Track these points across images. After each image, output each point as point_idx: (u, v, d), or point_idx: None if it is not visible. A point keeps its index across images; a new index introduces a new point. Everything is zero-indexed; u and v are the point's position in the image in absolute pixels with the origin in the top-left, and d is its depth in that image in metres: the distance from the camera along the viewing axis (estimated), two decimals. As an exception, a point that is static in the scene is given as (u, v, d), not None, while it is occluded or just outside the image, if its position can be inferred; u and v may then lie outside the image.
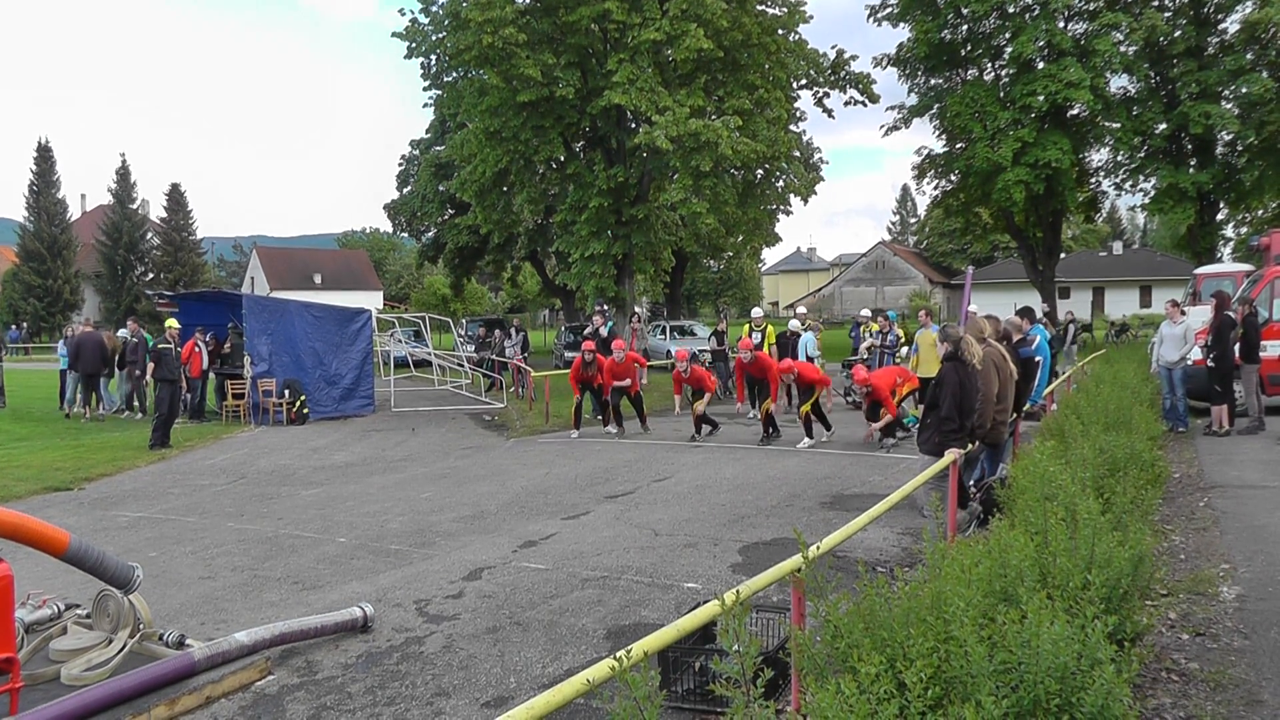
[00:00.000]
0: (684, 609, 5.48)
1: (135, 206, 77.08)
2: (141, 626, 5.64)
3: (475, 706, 4.89)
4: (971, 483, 7.81)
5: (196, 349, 18.66)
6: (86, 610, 5.96)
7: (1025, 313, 10.51)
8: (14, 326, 61.96)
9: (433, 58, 27.82)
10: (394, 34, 26.38)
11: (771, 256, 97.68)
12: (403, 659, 5.66)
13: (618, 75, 23.33)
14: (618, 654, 2.89)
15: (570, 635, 5.85)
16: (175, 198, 79.05)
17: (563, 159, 26.83)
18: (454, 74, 28.57)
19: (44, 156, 73.91)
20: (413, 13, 26.51)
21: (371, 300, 73.98)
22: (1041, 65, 28.38)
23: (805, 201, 29.22)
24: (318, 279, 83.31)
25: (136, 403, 20.76)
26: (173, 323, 17.25)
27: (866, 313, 21.57)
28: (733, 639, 3.16)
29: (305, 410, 18.64)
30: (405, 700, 5.05)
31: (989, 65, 31.25)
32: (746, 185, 27.58)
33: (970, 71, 31.57)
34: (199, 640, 5.64)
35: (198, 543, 8.90)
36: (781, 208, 30.26)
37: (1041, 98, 27.33)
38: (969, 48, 30.86)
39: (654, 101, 23.17)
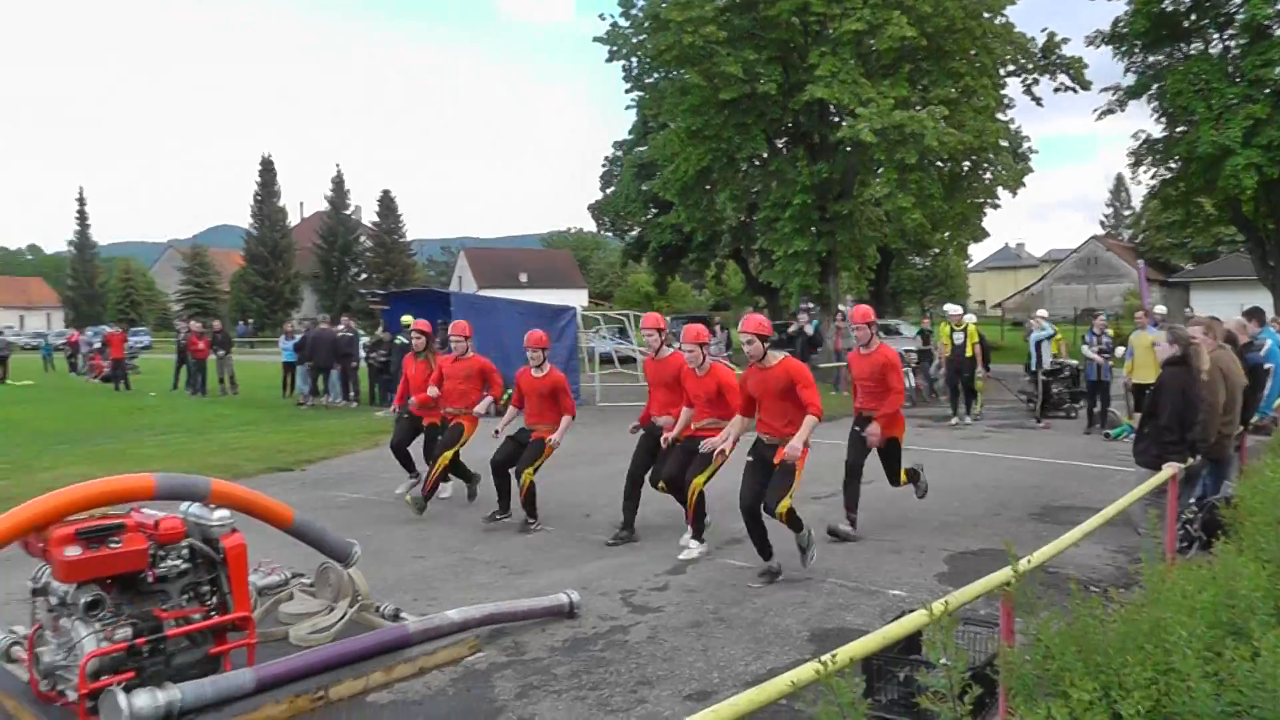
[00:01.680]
0: (889, 616, 5.43)
1: (349, 212, 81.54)
2: (360, 598, 6.08)
3: (678, 699, 4.99)
4: (1193, 500, 7.25)
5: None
6: (310, 580, 6.45)
7: (1254, 314, 9.75)
8: (241, 322, 66.43)
9: (634, 60, 28.10)
10: (595, 39, 26.79)
11: (978, 253, 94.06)
12: (607, 646, 5.83)
13: (819, 69, 23.07)
14: (822, 657, 2.89)
15: (773, 635, 5.90)
16: (386, 203, 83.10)
17: (765, 156, 26.74)
18: (655, 75, 28.80)
19: (267, 169, 79.34)
20: (612, 17, 26.85)
21: (576, 298, 75.47)
22: (1279, 32, 25.60)
23: (1014, 194, 27.99)
24: (523, 278, 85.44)
25: (353, 392, 22.03)
26: (408, 319, 18.33)
27: (1043, 312, 20.45)
28: (940, 651, 3.13)
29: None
30: (609, 686, 5.20)
31: (1216, 36, 28.13)
32: (953, 178, 26.78)
33: (1194, 44, 28.56)
34: (413, 615, 6.00)
35: (411, 524, 9.36)
36: (989, 201, 29.21)
37: (1279, 70, 24.75)
38: (1193, 18, 27.92)
39: (856, 94, 22.79)
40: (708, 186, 28.49)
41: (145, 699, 4.49)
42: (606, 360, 28.09)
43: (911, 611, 3.50)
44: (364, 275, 79.07)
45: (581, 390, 21.56)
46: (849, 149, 24.47)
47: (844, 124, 23.53)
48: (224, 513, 5.34)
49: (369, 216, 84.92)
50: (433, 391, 10.02)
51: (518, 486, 9.01)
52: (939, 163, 25.36)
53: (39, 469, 12.98)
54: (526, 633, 5.98)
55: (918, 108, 23.25)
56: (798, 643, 5.77)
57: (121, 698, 4.44)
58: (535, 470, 9.02)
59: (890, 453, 8.67)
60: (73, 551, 4.68)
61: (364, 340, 22.81)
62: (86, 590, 4.76)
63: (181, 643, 4.98)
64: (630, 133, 40.73)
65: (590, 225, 59.74)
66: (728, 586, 6.96)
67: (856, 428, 8.79)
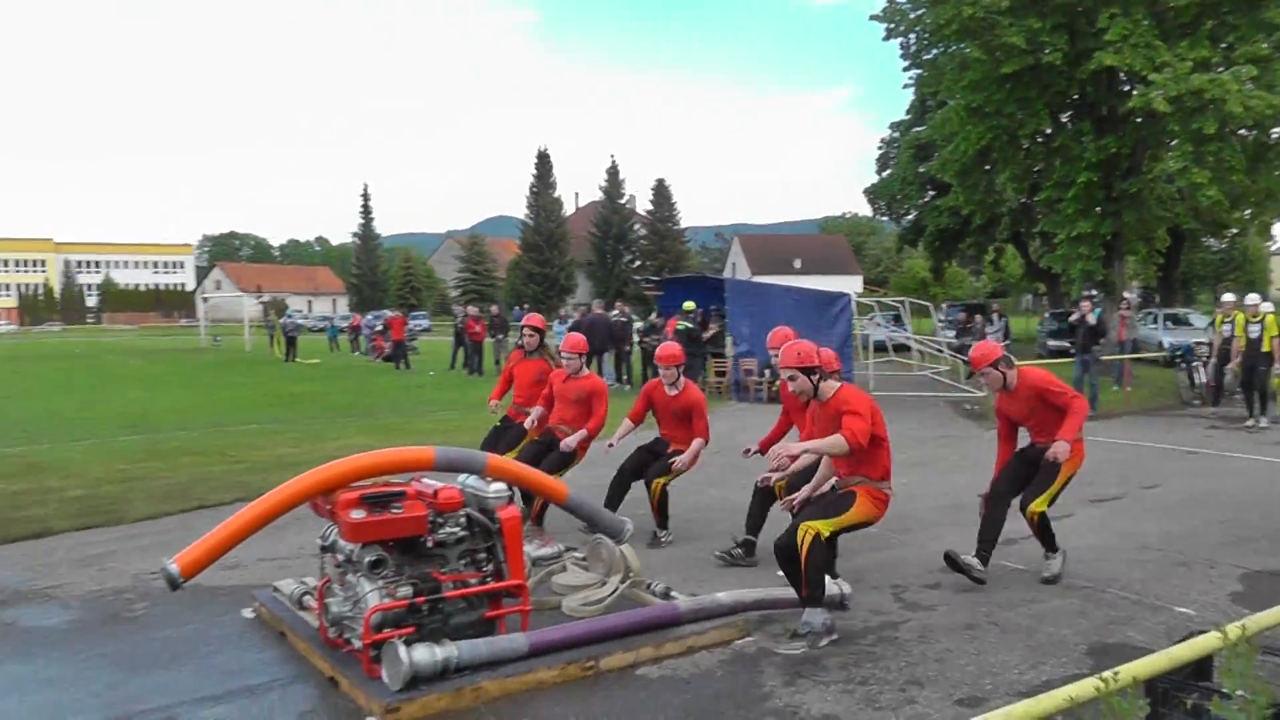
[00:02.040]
0: (1175, 636, 5.08)
1: (623, 201, 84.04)
2: (631, 574, 6.31)
3: (948, 702, 4.89)
4: None
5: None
6: (583, 554, 6.75)
7: None
8: (517, 308, 69.47)
9: (911, 36, 27.23)
10: (872, 17, 26.14)
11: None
12: (877, 641, 5.79)
13: (1109, 33, 21.48)
14: (1103, 674, 2.80)
15: (1049, 645, 5.66)
16: (660, 192, 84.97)
17: (1048, 132, 25.33)
18: (934, 51, 27.85)
19: (543, 162, 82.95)
20: (891, -7, 26.12)
21: (850, 285, 74.55)
22: None
23: (1332, 165, 25.15)
24: (797, 264, 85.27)
25: (625, 376, 22.76)
26: (690, 305, 18.86)
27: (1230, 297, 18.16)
28: (1238, 681, 2.93)
29: (784, 390, 19.36)
30: (878, 682, 5.16)
31: None
32: (1258, 148, 24.18)
33: None
34: (682, 594, 6.17)
35: (679, 504, 9.16)
36: (1300, 174, 26.46)
37: None
38: None
39: (1150, 58, 21.06)
40: (987, 167, 27.28)
41: (424, 653, 4.85)
42: (880, 348, 27.63)
43: (1202, 633, 3.28)
44: (637, 262, 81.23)
45: (855, 379, 21.34)
46: (1139, 120, 22.76)
47: (1134, 93, 21.81)
48: (500, 485, 5.68)
49: (643, 205, 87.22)
50: (530, 423, 8.66)
51: (648, 495, 8.32)
52: (1242, 131, 23.07)
53: (326, 439, 14.28)
54: (796, 620, 5.93)
55: (1220, 69, 21.29)
56: (1075, 655, 5.51)
57: (402, 650, 4.81)
58: (668, 481, 8.28)
59: (1049, 474, 6.84)
60: (358, 514, 5.13)
61: (637, 325, 23.47)
62: (370, 550, 5.22)
63: (459, 604, 5.36)
64: (907, 113, 39.73)
65: (866, 210, 58.59)
66: (1000, 590, 6.74)
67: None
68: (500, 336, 27.32)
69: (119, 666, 5.60)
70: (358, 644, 5.13)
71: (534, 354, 9.12)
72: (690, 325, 19.17)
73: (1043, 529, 6.85)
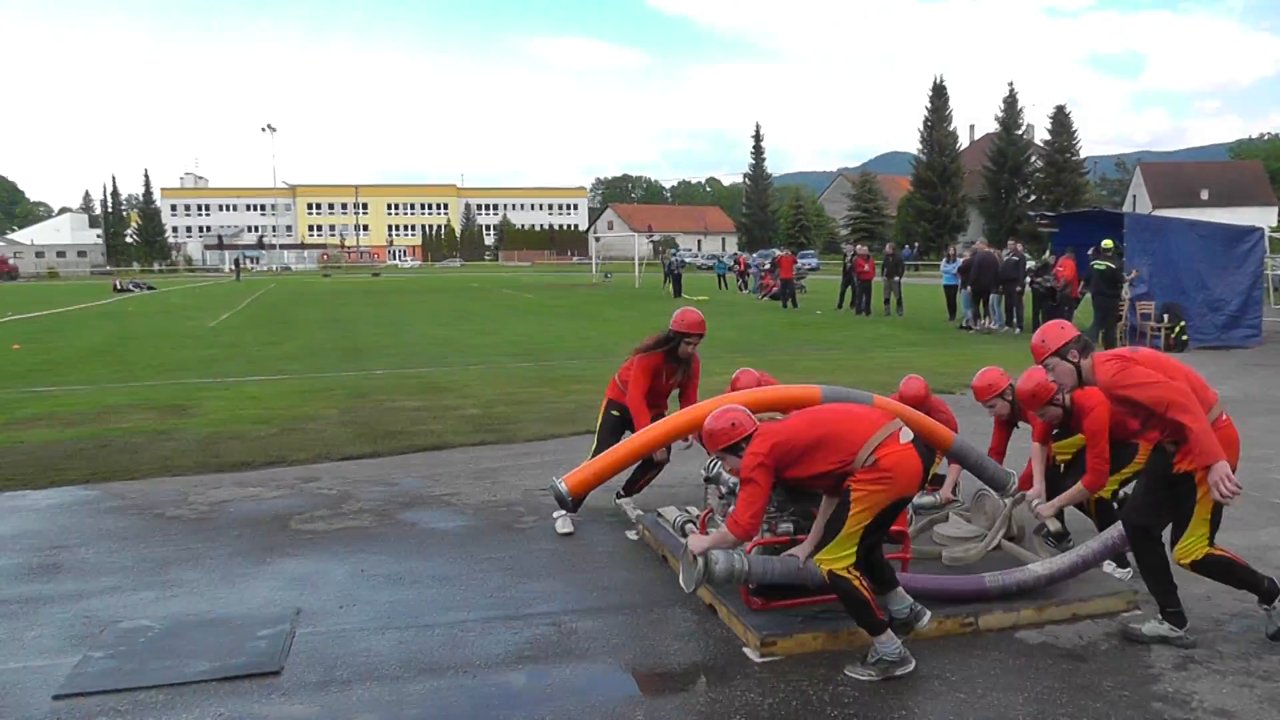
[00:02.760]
0: None
1: (1020, 132, 79.63)
2: (1014, 530, 6.06)
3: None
4: None
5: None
6: (966, 505, 6.54)
7: None
8: (907, 246, 68.04)
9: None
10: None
11: None
12: (1282, 631, 5.06)
13: None
14: None
15: None
16: (1059, 120, 79.56)
17: None
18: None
19: (938, 94, 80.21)
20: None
21: (1264, 217, 66.83)
22: None
23: None
24: (1204, 195, 77.78)
25: (1015, 318, 21.69)
26: (1109, 243, 17.77)
27: None
28: None
29: (1184, 337, 17.71)
30: (1283, 680, 4.54)
31: None
32: None
33: None
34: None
35: None
36: None
37: None
38: None
39: None
40: None
41: (721, 558, 4.78)
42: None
43: None
44: (1032, 197, 76.92)
45: (1264, 325, 19.19)
46: None
47: None
48: None
49: (1040, 135, 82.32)
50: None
51: None
52: None
53: (712, 373, 14.59)
54: (1192, 600, 5.32)
55: None
56: None
57: (699, 554, 4.74)
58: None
59: (1184, 496, 4.82)
60: None
61: (1030, 264, 22.32)
62: None
63: None
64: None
65: (1291, 129, 51.77)
66: None
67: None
68: (896, 279, 26.94)
69: (509, 571, 6.09)
70: None
71: (682, 364, 7.27)
72: (1108, 265, 17.65)
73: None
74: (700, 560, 4.74)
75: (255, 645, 4.96)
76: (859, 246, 29.44)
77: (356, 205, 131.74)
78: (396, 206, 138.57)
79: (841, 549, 4.52)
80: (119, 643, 5.08)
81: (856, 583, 4.48)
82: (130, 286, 54.47)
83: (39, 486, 8.35)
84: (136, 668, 4.77)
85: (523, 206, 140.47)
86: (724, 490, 5.65)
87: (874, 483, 4.49)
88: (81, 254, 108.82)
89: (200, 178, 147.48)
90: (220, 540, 6.68)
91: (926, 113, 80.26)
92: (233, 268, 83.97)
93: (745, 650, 4.85)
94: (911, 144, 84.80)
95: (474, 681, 4.61)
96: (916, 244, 73.26)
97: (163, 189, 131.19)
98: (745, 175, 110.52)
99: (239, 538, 6.79)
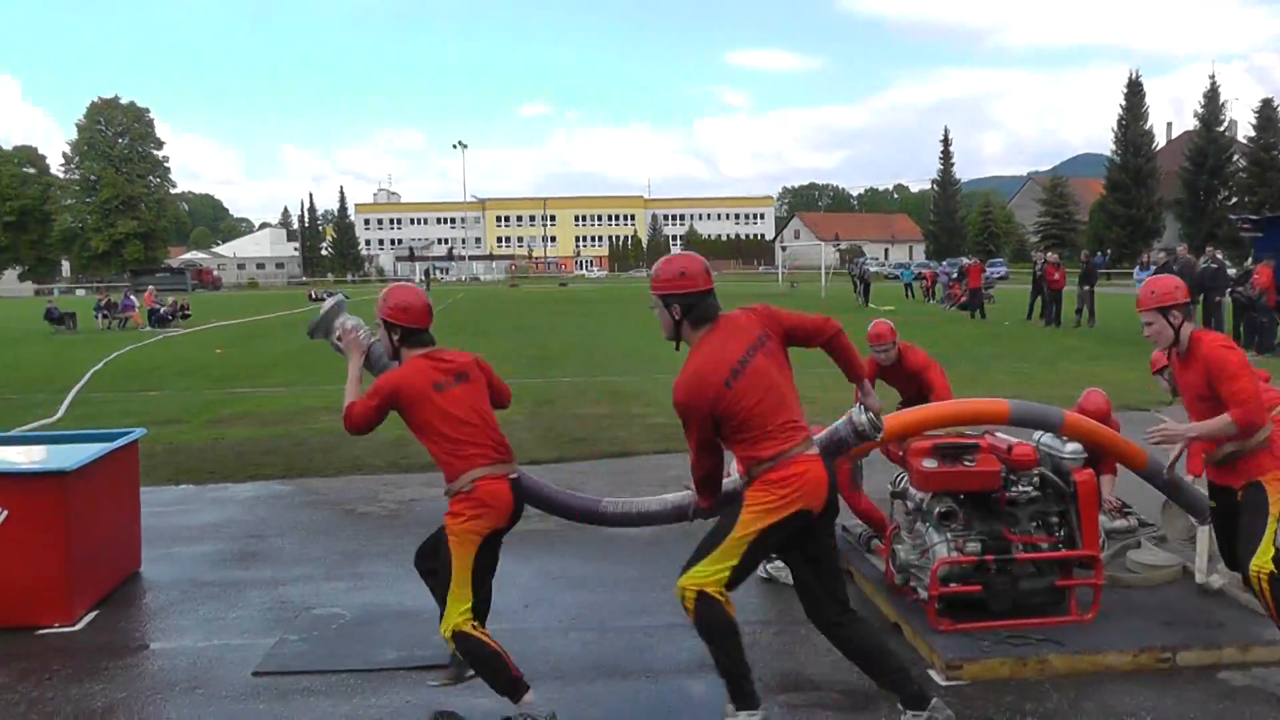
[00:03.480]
0: None
1: (1223, 129, 74.71)
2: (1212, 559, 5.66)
3: None
4: None
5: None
6: (1161, 530, 6.24)
7: None
8: (1100, 253, 65.21)
9: None
10: None
11: None
12: None
13: None
14: None
15: None
16: (1266, 114, 74.27)
17: None
18: None
19: (1133, 91, 76.31)
20: None
21: None
22: None
23: None
24: None
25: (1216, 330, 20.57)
26: None
27: None
28: None
29: None
30: None
31: None
32: None
33: None
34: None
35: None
36: None
37: None
38: None
39: None
40: None
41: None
42: None
43: None
44: (1234, 199, 72.39)
45: None
46: None
47: None
48: (1076, 446, 5.40)
49: (1245, 131, 77.36)
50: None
51: None
52: None
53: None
54: None
55: None
56: None
57: None
58: None
59: (1256, 513, 4.49)
60: (929, 463, 5.17)
61: (1231, 272, 21.06)
62: (941, 501, 5.22)
63: (1027, 568, 5.18)
64: None
65: None
66: None
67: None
68: (1087, 288, 25.68)
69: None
70: (923, 594, 5.16)
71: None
72: None
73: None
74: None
75: (442, 638, 5.16)
76: (1050, 254, 28.27)
77: (545, 217, 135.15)
78: (583, 218, 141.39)
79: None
80: (312, 627, 5.52)
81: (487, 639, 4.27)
82: (324, 296, 57.24)
83: (239, 480, 9.02)
84: (329, 652, 5.16)
85: (709, 216, 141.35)
86: (910, 506, 5.57)
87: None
88: (279, 266, 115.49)
89: (393, 193, 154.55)
90: (408, 537, 6.92)
91: (1121, 111, 76.60)
92: (423, 278, 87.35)
93: (930, 672, 4.76)
94: (1105, 145, 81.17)
95: (656, 686, 4.72)
96: (1109, 250, 70.03)
97: (357, 205, 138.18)
98: (933, 182, 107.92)
99: (426, 535, 7.05)
